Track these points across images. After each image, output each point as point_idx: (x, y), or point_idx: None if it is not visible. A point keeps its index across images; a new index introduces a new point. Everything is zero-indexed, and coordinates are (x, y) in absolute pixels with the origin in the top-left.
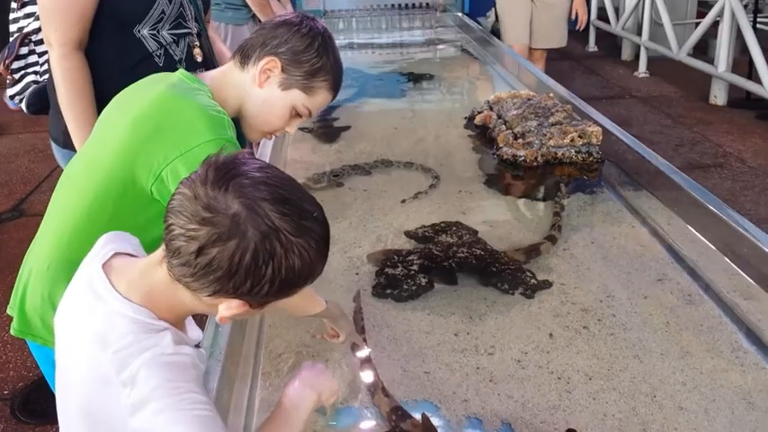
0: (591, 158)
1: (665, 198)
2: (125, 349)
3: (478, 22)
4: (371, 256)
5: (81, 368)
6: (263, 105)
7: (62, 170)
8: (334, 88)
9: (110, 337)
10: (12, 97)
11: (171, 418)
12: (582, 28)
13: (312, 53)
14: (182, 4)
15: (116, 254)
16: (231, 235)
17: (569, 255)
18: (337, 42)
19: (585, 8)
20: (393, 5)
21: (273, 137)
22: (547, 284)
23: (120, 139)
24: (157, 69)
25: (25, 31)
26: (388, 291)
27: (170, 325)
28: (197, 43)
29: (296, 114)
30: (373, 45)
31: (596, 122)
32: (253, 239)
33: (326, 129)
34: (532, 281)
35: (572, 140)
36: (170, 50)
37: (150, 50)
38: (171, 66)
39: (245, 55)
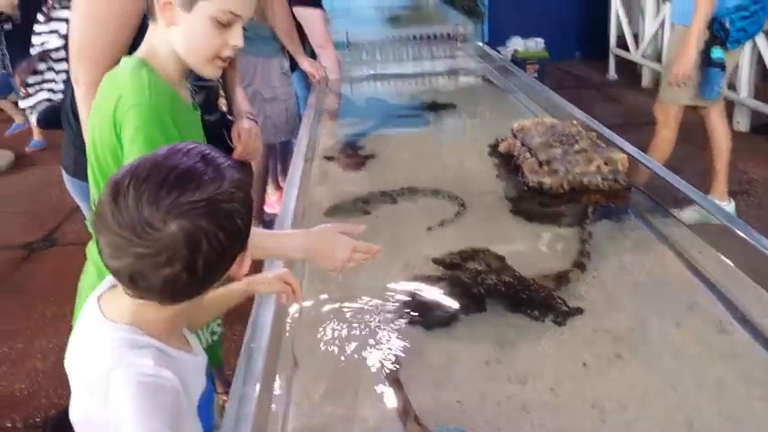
0: (617, 185)
1: (693, 225)
2: (111, 361)
3: (498, 51)
4: (400, 283)
5: (81, 397)
6: (186, 37)
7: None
8: None
9: (95, 356)
10: (23, 110)
11: None
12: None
13: None
14: None
15: (112, 286)
16: (197, 242)
17: (599, 282)
18: (361, 73)
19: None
20: (415, 36)
21: (225, 62)
22: (577, 312)
23: None
24: None
25: (46, 47)
26: (419, 318)
27: (158, 342)
28: (222, 93)
29: (222, 25)
30: (396, 75)
31: (621, 150)
32: (211, 225)
33: (352, 157)
34: (563, 308)
35: (598, 168)
36: None
37: None
38: None
39: (149, 10)
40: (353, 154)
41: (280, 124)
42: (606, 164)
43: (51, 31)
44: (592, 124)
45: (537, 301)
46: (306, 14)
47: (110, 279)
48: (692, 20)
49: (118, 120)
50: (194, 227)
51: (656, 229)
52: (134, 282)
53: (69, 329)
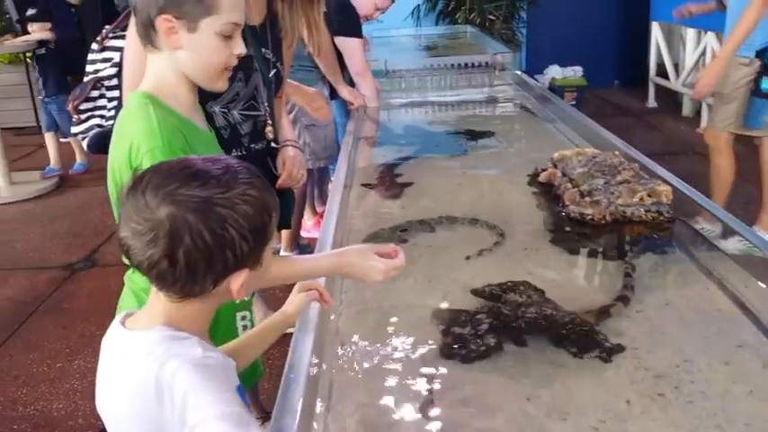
0: (661, 218)
1: (740, 259)
2: (156, 360)
3: (536, 80)
4: (438, 314)
5: (125, 406)
6: (194, 56)
7: None
8: None
9: (138, 360)
10: (75, 135)
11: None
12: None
13: None
14: (256, 88)
15: (128, 314)
16: (179, 233)
17: (642, 317)
18: (399, 100)
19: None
20: (453, 65)
21: (230, 72)
22: (620, 348)
23: None
24: (221, 142)
25: (100, 75)
26: (456, 351)
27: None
28: (269, 122)
29: (225, 37)
30: (434, 103)
31: (665, 181)
32: (198, 222)
33: (390, 185)
34: (606, 344)
35: (641, 199)
36: (238, 127)
37: (217, 125)
38: (236, 139)
39: (146, 39)
40: (391, 181)
41: (318, 150)
42: (650, 195)
43: (105, 60)
44: (633, 154)
45: (578, 336)
46: (346, 43)
47: (125, 312)
48: (731, 34)
49: (134, 165)
50: (181, 218)
51: (701, 263)
52: (128, 254)
53: None
